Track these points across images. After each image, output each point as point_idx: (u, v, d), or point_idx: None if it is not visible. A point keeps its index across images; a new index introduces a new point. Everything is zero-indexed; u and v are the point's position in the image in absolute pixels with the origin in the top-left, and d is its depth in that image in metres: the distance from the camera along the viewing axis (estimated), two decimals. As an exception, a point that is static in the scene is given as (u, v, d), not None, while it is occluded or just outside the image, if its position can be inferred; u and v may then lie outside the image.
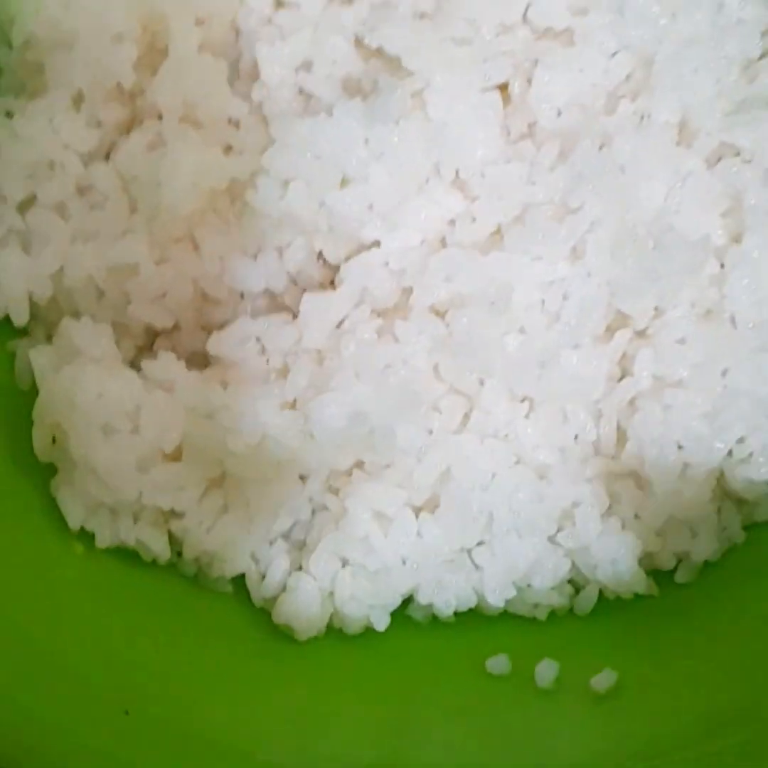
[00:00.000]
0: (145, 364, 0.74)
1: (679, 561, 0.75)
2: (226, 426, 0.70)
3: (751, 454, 0.73)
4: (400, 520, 0.72)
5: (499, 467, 0.71)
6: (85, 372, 0.71)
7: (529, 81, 0.75)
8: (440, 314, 0.72)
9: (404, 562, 0.72)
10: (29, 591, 0.68)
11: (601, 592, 0.75)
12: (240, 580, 0.75)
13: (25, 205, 0.75)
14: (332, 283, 0.76)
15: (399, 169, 0.70)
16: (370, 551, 0.71)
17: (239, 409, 0.70)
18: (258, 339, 0.74)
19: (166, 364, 0.73)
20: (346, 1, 0.79)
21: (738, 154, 0.75)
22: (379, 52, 0.76)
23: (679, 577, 0.75)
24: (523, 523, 0.72)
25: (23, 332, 0.77)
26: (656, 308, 0.73)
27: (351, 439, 0.70)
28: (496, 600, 0.73)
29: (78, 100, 0.76)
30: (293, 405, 0.71)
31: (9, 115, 0.76)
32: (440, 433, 0.71)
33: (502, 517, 0.72)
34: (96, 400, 0.71)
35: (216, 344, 0.74)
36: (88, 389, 0.71)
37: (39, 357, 0.73)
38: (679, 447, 0.73)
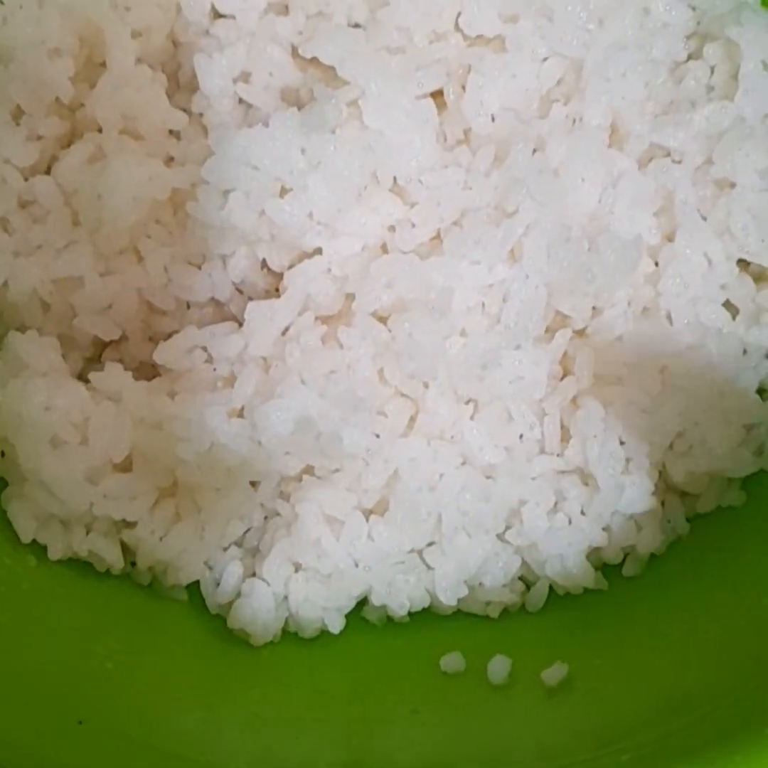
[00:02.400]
0: (93, 375, 0.74)
1: (626, 555, 0.77)
2: (175, 435, 0.71)
3: (690, 448, 0.75)
4: (351, 524, 0.72)
5: (446, 468, 0.73)
6: (32, 385, 0.71)
7: (463, 87, 0.76)
8: (383, 319, 0.73)
9: (356, 565, 0.73)
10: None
11: (551, 587, 0.77)
12: (195, 587, 0.75)
13: (-33, 221, 0.75)
14: (277, 290, 0.77)
15: (337, 178, 0.71)
16: (323, 555, 0.72)
17: (188, 417, 0.71)
18: (204, 348, 0.74)
19: (113, 375, 0.74)
20: (282, 12, 0.80)
21: (668, 154, 0.78)
22: (315, 62, 0.77)
23: (627, 571, 0.77)
24: (471, 523, 0.73)
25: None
26: (594, 308, 0.75)
27: (299, 444, 0.70)
28: (448, 599, 0.74)
29: (17, 114, 0.76)
30: (241, 413, 0.72)
31: (-54, 131, 0.75)
32: (387, 436, 0.72)
33: (450, 518, 0.73)
34: (44, 412, 0.71)
35: (162, 354, 0.74)
36: (35, 402, 0.71)
37: (-15, 372, 0.73)
38: (621, 442, 0.74)
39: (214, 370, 0.74)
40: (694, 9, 0.81)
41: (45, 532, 0.72)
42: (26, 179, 0.76)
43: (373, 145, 0.72)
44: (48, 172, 0.77)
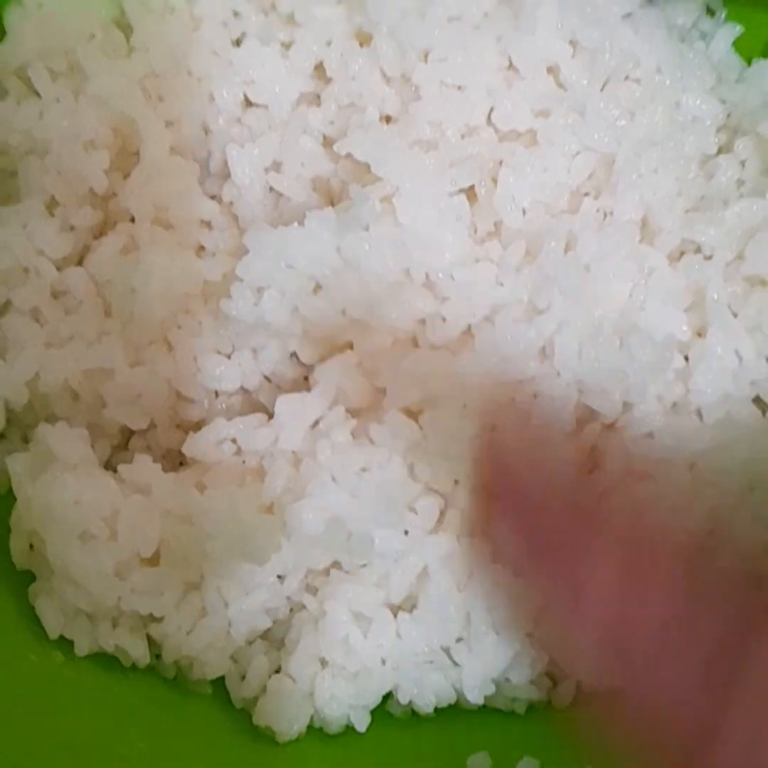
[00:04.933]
0: (122, 468, 0.74)
1: (653, 652, 0.76)
2: (204, 530, 0.70)
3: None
4: (379, 621, 0.72)
5: (475, 565, 0.72)
6: (61, 479, 0.71)
7: (495, 181, 0.77)
8: (413, 415, 0.73)
9: (384, 662, 0.72)
10: (7, 703, 0.68)
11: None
12: (220, 681, 0.75)
13: (1, 311, 0.75)
14: (306, 379, 0.77)
15: (370, 275, 0.72)
16: (350, 652, 0.72)
17: (217, 512, 0.70)
18: (233, 440, 0.74)
19: (142, 467, 0.74)
20: (314, 102, 0.81)
21: (699, 250, 0.78)
22: (347, 154, 0.77)
23: (654, 669, 0.76)
24: (501, 621, 0.73)
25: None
26: (624, 403, 0.75)
27: (329, 543, 0.70)
28: (475, 698, 0.74)
29: (51, 205, 0.76)
30: (270, 508, 0.72)
31: (-21, 222, 0.76)
32: (416, 533, 0.72)
33: (479, 616, 0.72)
34: (73, 506, 0.71)
35: (192, 446, 0.74)
36: (65, 496, 0.70)
37: (15, 464, 0.73)
38: (650, 540, 0.74)
39: (243, 462, 0.74)
40: (724, 102, 0.82)
41: (72, 627, 0.72)
42: (59, 270, 0.76)
43: (406, 241, 0.73)
44: (80, 263, 0.77)
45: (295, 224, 0.72)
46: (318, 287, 0.72)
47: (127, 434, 0.79)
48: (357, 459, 0.71)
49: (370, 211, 0.71)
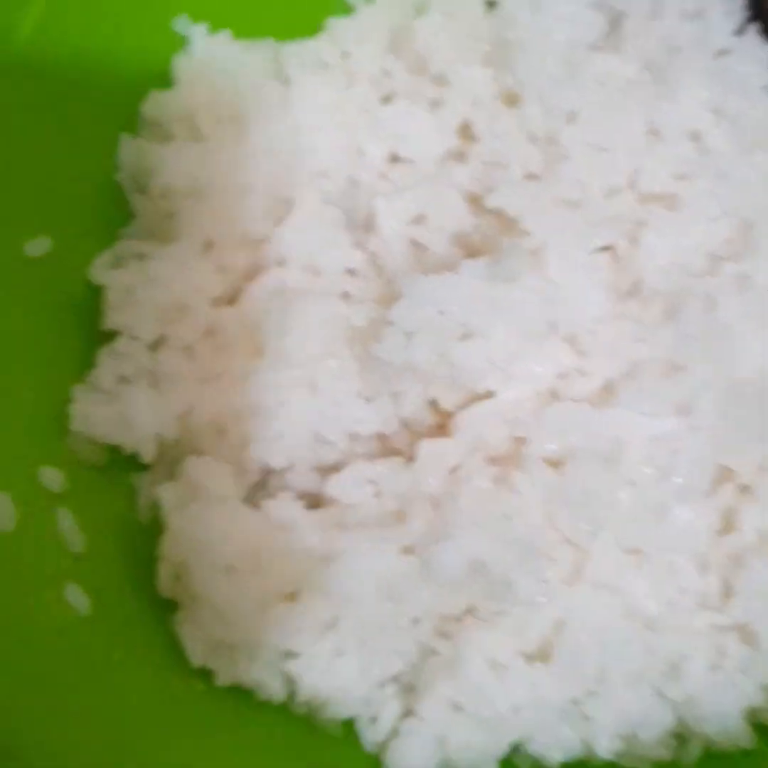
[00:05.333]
0: (266, 504, 0.75)
1: (784, 716, 0.76)
2: (345, 569, 0.72)
3: None
4: (514, 669, 0.72)
5: (612, 618, 0.73)
6: (211, 511, 0.73)
7: (635, 241, 0.78)
8: (553, 464, 0.74)
9: (516, 711, 0.73)
10: (149, 724, 0.69)
11: (705, 744, 0.76)
12: (350, 722, 0.76)
13: (156, 345, 0.78)
14: (440, 427, 0.79)
15: (517, 326, 0.73)
16: (484, 699, 0.72)
17: (358, 552, 0.72)
18: (373, 482, 0.76)
19: (285, 505, 0.75)
20: (459, 159, 0.83)
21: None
22: (493, 209, 0.79)
23: (783, 733, 0.76)
24: (633, 675, 0.73)
25: (142, 467, 0.79)
26: (760, 465, 0.76)
27: (468, 586, 0.71)
28: (604, 752, 0.74)
29: (207, 246, 0.79)
30: (410, 550, 0.73)
31: (141, 257, 0.79)
32: (554, 582, 0.73)
33: (614, 670, 0.72)
34: (221, 539, 0.72)
35: (334, 486, 0.76)
36: (213, 528, 0.72)
37: (167, 494, 0.75)
38: (788, 602, 0.74)
39: (382, 505, 0.75)
40: None
41: (214, 657, 0.73)
42: (212, 309, 0.79)
43: (552, 296, 0.74)
44: (232, 302, 0.80)
45: (448, 273, 0.73)
46: (466, 334, 0.73)
47: (265, 474, 0.81)
48: (498, 505, 0.72)
49: (520, 263, 0.73)
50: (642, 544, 0.74)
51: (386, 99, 0.85)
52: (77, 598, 0.69)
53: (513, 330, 0.74)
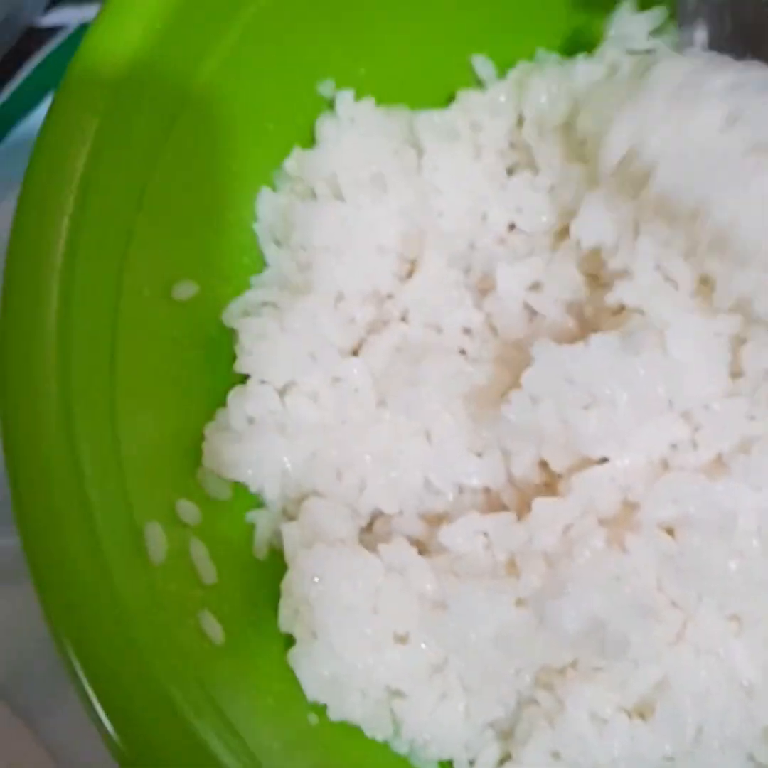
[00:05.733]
0: (382, 548, 0.78)
1: None
2: (458, 615, 0.75)
3: None
4: (615, 723, 0.75)
5: (713, 682, 0.75)
6: (333, 552, 0.76)
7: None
8: (664, 529, 0.77)
9: (614, 764, 0.75)
10: (272, 750, 0.72)
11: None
12: (447, 764, 0.78)
13: (284, 389, 0.82)
14: (548, 485, 0.82)
15: (640, 398, 0.77)
16: (585, 750, 0.75)
17: (474, 600, 0.75)
18: (485, 534, 0.79)
19: (400, 549, 0.78)
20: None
21: None
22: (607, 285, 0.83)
23: None
24: (729, 740, 0.75)
25: (259, 504, 0.83)
26: None
27: (582, 643, 0.74)
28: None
29: (338, 299, 0.83)
30: (523, 603, 0.76)
31: (274, 306, 0.83)
32: (658, 643, 0.76)
33: (711, 732, 0.75)
34: (342, 579, 0.75)
35: (446, 535, 0.79)
36: (336, 568, 0.76)
37: (291, 533, 0.78)
38: None
39: (494, 557, 0.78)
40: None
41: (327, 692, 0.76)
42: (339, 359, 0.83)
43: (671, 372, 0.77)
44: (355, 353, 0.84)
45: (581, 344, 0.77)
46: (590, 403, 0.77)
47: (374, 518, 0.84)
48: (612, 565, 0.75)
49: (646, 340, 0.76)
50: (743, 612, 0.77)
51: (510, 171, 0.89)
52: (212, 626, 0.72)
53: (634, 402, 0.77)
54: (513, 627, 0.74)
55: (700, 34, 0.75)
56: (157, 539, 0.70)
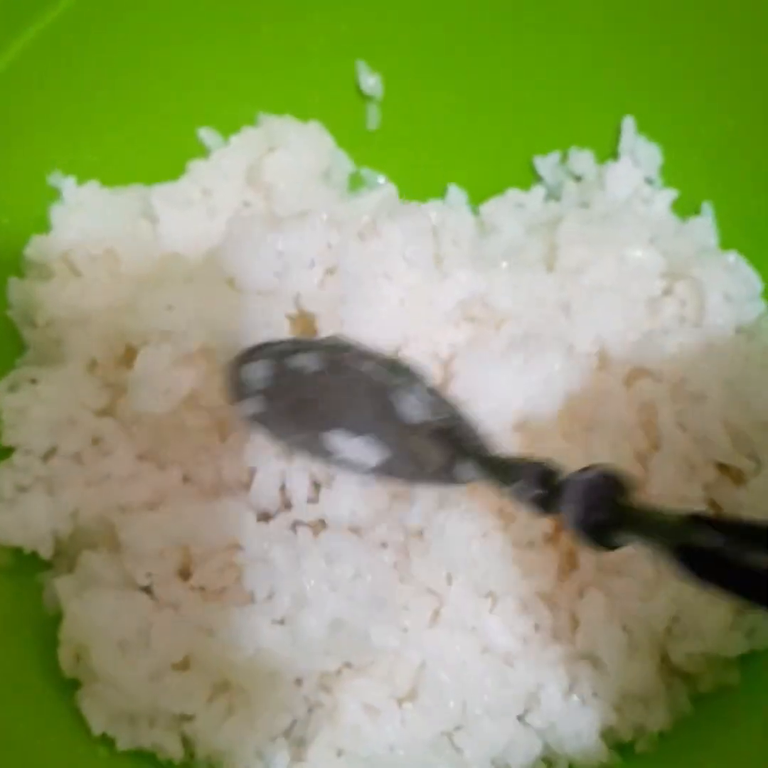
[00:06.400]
0: (156, 587, 0.84)
1: (637, 732, 0.84)
2: (225, 641, 0.80)
3: (686, 631, 0.83)
4: (386, 711, 0.81)
5: (468, 657, 0.81)
6: (103, 596, 0.82)
7: None
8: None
9: (392, 750, 0.81)
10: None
11: (570, 766, 0.84)
12: (247, 776, 0.83)
13: (48, 455, 0.87)
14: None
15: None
16: (361, 740, 0.80)
17: (236, 626, 0.80)
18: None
19: (173, 587, 0.84)
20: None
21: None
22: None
23: (639, 748, 0.84)
24: (494, 707, 0.81)
25: (47, 565, 0.88)
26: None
27: (334, 644, 0.79)
28: (478, 779, 0.82)
29: (92, 365, 0.89)
30: (282, 621, 0.81)
31: (34, 381, 0.89)
32: (414, 630, 0.82)
33: (474, 703, 0.81)
34: (113, 620, 0.81)
35: (200, 577, 0.84)
36: (106, 611, 0.81)
37: (63, 585, 0.84)
38: (624, 629, 0.83)
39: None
40: (665, 254, 0.95)
41: (114, 725, 0.81)
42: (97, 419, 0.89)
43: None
44: (112, 414, 0.90)
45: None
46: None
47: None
48: (349, 567, 0.81)
49: None
50: (494, 588, 0.83)
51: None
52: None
53: None
54: (271, 644, 0.80)
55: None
56: None
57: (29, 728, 0.78)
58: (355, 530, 0.84)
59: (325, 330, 0.83)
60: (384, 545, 0.82)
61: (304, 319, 0.85)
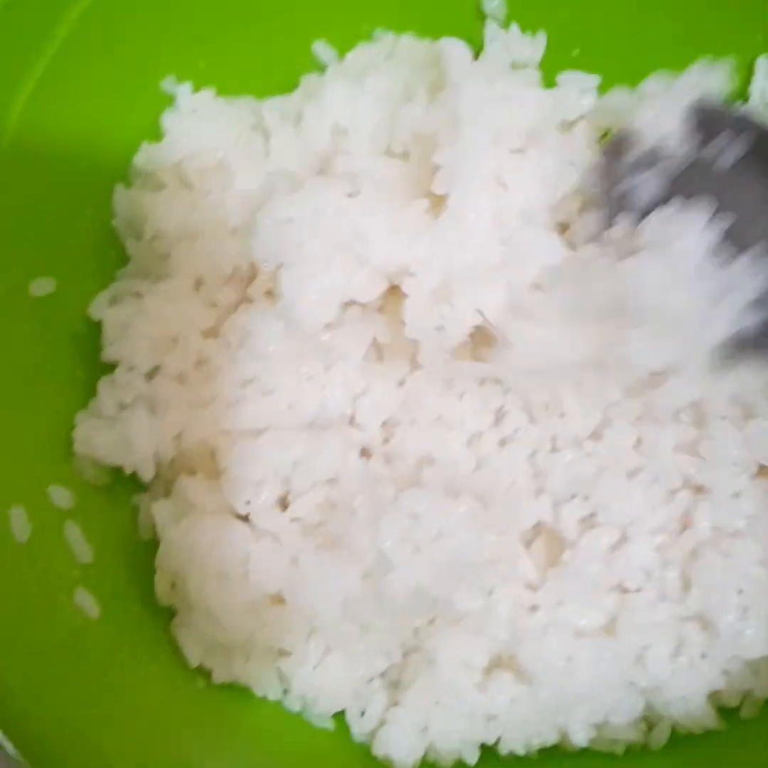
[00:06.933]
0: (254, 516, 0.81)
1: (744, 698, 0.81)
2: (311, 591, 0.77)
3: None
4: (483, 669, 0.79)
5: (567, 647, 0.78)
6: (200, 524, 0.79)
7: None
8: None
9: (489, 709, 0.78)
10: (156, 719, 0.75)
11: (672, 727, 0.81)
12: (340, 717, 0.81)
13: (151, 373, 0.84)
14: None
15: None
16: (458, 695, 0.78)
17: (326, 575, 0.77)
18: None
19: (272, 517, 0.81)
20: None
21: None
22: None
23: (744, 713, 0.81)
24: (600, 668, 0.78)
25: (143, 487, 0.85)
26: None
27: (419, 605, 0.77)
28: (578, 740, 0.79)
29: (198, 283, 0.86)
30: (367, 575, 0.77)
31: (137, 295, 0.86)
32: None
33: (582, 665, 0.78)
34: (211, 548, 0.78)
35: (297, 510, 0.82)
36: (203, 539, 0.78)
37: (160, 511, 0.81)
38: (740, 591, 0.80)
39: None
40: None
41: (210, 657, 0.79)
42: (203, 340, 0.85)
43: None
44: (217, 335, 0.86)
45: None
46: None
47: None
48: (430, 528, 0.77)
49: None
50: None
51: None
52: (87, 602, 0.75)
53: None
54: (358, 599, 0.77)
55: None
56: (19, 521, 0.73)
57: (129, 656, 0.76)
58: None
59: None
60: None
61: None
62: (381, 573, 0.76)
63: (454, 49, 0.86)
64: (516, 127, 0.81)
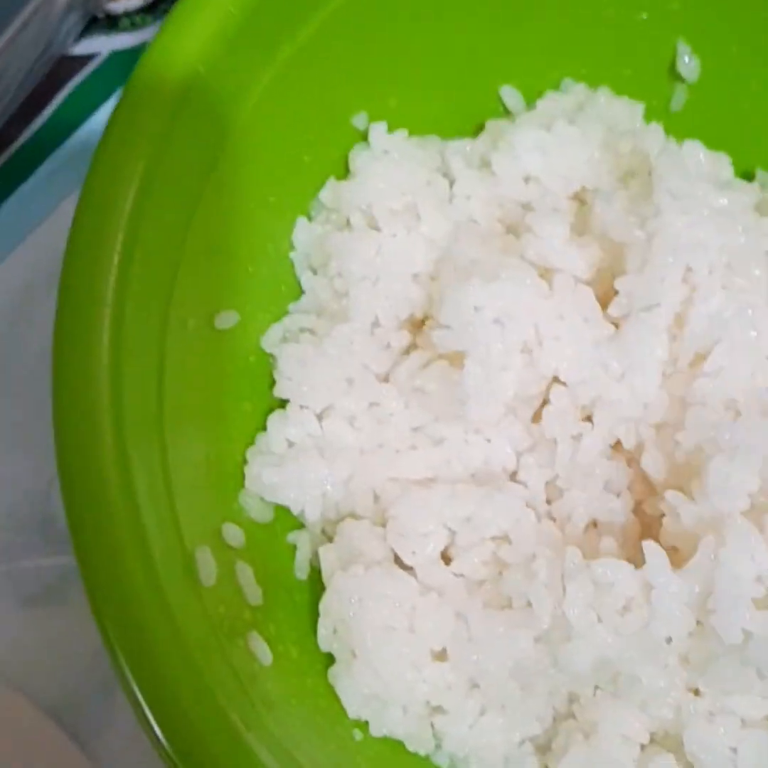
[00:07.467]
0: (418, 569, 0.81)
1: None
2: (481, 645, 0.77)
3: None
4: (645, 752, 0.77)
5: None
6: (369, 572, 0.79)
7: None
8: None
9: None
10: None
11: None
12: (487, 777, 0.81)
13: (323, 414, 0.84)
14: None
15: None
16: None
17: (499, 631, 0.76)
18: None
19: (438, 571, 0.81)
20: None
21: None
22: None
23: None
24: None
25: (299, 525, 0.85)
26: None
27: (597, 680, 0.77)
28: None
29: (374, 326, 0.86)
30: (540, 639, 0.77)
31: (311, 332, 0.85)
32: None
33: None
34: (378, 599, 0.78)
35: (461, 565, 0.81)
36: (372, 589, 0.78)
37: (327, 555, 0.81)
38: None
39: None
40: None
41: (368, 709, 0.78)
42: (376, 384, 0.85)
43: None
44: (387, 379, 0.86)
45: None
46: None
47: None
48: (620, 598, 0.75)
49: None
50: None
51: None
52: (260, 648, 0.74)
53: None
54: (529, 661, 0.76)
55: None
56: (207, 563, 0.72)
57: (297, 704, 0.75)
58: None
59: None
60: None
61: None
62: (559, 639, 0.75)
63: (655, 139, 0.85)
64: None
